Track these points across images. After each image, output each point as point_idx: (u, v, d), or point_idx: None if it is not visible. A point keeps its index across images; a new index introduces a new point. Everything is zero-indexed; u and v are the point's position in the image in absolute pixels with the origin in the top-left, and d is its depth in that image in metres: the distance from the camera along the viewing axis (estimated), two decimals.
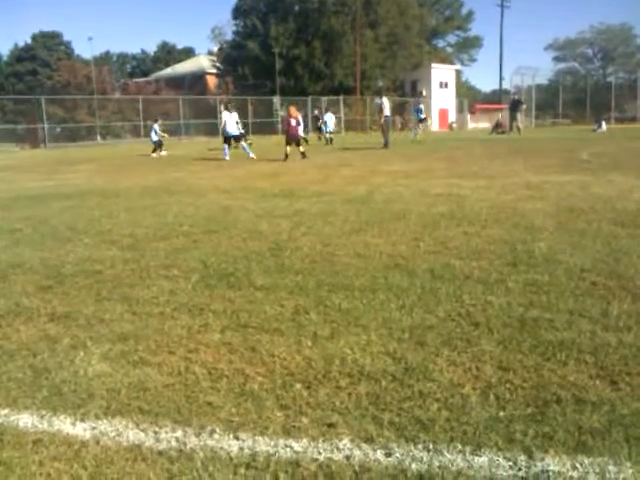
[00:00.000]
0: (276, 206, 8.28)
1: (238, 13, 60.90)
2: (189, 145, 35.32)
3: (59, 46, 79.66)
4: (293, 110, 18.87)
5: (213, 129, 49.22)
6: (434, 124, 60.16)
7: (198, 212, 8.04)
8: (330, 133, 28.74)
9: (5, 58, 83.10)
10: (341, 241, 5.82)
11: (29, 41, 78.53)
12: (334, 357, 3.06)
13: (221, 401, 2.65)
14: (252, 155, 19.46)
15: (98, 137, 46.93)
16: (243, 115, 51.26)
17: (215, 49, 70.13)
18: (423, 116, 31.50)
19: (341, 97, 53.07)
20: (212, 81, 67.98)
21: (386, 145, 22.72)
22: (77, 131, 47.58)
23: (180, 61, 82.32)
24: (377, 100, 24.18)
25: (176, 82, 65.67)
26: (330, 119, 29.33)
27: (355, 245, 5.60)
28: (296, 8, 57.44)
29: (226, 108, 21.37)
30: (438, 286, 4.19)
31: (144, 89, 59.04)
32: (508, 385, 2.69)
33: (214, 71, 66.63)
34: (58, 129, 46.24)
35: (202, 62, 72.39)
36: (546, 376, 2.77)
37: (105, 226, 7.20)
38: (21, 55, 77.68)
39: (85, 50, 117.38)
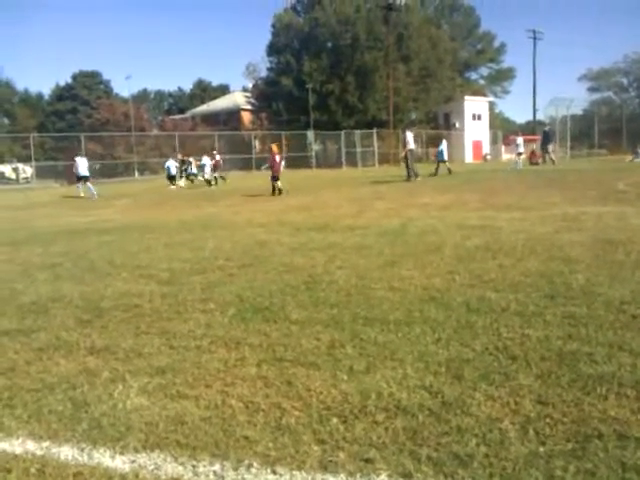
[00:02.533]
0: (311, 240, 8.32)
1: (272, 50, 62.02)
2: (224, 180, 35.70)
3: (98, 85, 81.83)
4: (277, 147, 20.07)
5: (248, 164, 49.95)
6: (467, 156, 60.07)
7: (234, 246, 8.12)
8: (444, 162, 28.91)
9: (47, 97, 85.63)
10: (376, 274, 5.81)
11: (70, 81, 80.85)
12: (370, 391, 3.04)
13: (258, 435, 2.65)
14: (94, 193, 24.14)
15: (136, 173, 47.82)
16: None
17: (250, 85, 71.43)
18: (522, 150, 32.06)
19: (374, 131, 53.38)
20: (247, 117, 69.04)
21: (409, 178, 22.83)
22: (115, 167, 48.62)
23: (215, 98, 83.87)
24: (403, 134, 24.35)
25: (212, 118, 66.86)
26: (445, 148, 29.69)
27: (390, 278, 5.59)
28: (329, 44, 58.25)
29: (76, 155, 28.30)
30: (474, 319, 4.15)
31: (180, 126, 60.19)
32: (548, 420, 2.65)
33: (249, 107, 67.71)
34: (97, 165, 47.26)
35: (237, 98, 73.63)
36: (586, 411, 2.72)
37: (143, 260, 7.31)
38: (62, 94, 79.94)
39: (123, 88, 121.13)
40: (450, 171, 27.16)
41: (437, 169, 27.61)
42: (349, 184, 23.13)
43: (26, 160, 44.80)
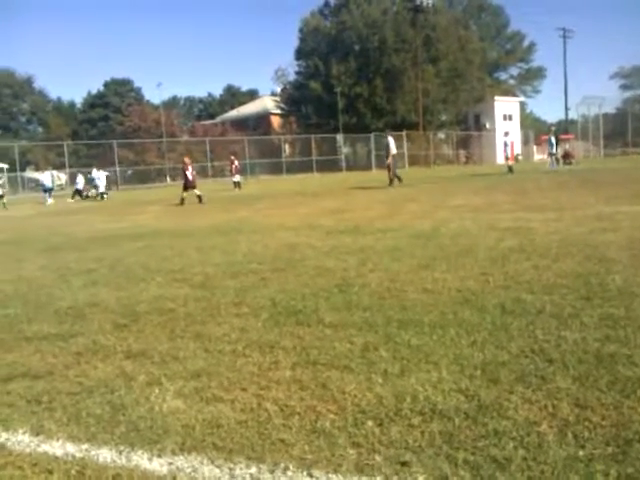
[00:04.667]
0: (342, 243, 8.31)
1: (300, 54, 62.32)
2: (254, 184, 35.92)
3: (130, 92, 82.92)
4: (189, 160, 21.85)
5: (278, 168, 50.22)
6: (499, 157, 59.56)
7: (266, 250, 8.15)
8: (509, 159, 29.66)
9: (79, 105, 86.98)
10: (409, 277, 5.78)
11: (102, 88, 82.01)
12: (405, 394, 3.03)
13: (293, 438, 2.66)
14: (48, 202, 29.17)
15: (167, 178, 48.37)
16: (307, 153, 52.16)
17: (278, 90, 71.85)
18: (554, 150, 31.52)
19: (404, 132, 53.23)
20: (276, 121, 69.44)
21: (391, 183, 22.75)
22: (147, 173, 49.23)
23: (245, 103, 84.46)
24: (385, 139, 24.15)
25: (241, 123, 67.34)
26: (508, 145, 30.45)
27: (423, 281, 5.55)
28: (356, 47, 58.31)
29: (40, 168, 33.20)
30: (509, 321, 4.11)
31: (211, 131, 60.73)
32: (586, 423, 2.61)
33: (278, 111, 68.11)
34: (129, 172, 47.92)
35: (266, 103, 74.03)
36: (626, 414, 2.67)
37: (176, 265, 7.38)
38: (94, 102, 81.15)
39: (154, 95, 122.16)
40: (511, 170, 28.10)
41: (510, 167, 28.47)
42: (379, 186, 23.06)
43: (60, 167, 45.63)
